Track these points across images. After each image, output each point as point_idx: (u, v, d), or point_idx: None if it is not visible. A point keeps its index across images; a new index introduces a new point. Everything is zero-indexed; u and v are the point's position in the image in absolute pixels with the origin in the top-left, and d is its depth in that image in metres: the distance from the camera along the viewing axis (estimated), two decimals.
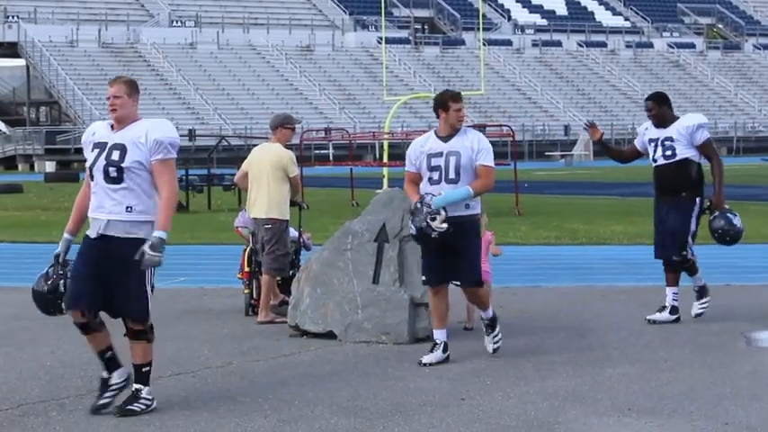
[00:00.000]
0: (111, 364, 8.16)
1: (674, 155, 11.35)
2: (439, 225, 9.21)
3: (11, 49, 76.82)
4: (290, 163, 11.95)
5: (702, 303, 11.65)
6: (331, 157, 53.88)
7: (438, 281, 9.63)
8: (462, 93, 10.25)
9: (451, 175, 9.49)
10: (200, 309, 12.81)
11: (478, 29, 53.02)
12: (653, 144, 11.53)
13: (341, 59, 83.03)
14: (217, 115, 70.40)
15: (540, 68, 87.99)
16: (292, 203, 12.25)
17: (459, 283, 9.74)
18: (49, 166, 62.73)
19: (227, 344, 10.64)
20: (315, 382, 8.74)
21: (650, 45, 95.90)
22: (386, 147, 39.18)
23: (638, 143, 11.81)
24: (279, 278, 12.09)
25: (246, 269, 12.37)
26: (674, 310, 11.45)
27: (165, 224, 7.82)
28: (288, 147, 12.26)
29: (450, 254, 9.49)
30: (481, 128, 51.14)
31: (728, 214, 11.39)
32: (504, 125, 40.21)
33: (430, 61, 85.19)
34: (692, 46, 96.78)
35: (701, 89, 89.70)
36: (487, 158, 9.54)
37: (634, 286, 14.16)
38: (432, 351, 9.61)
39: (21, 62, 79.23)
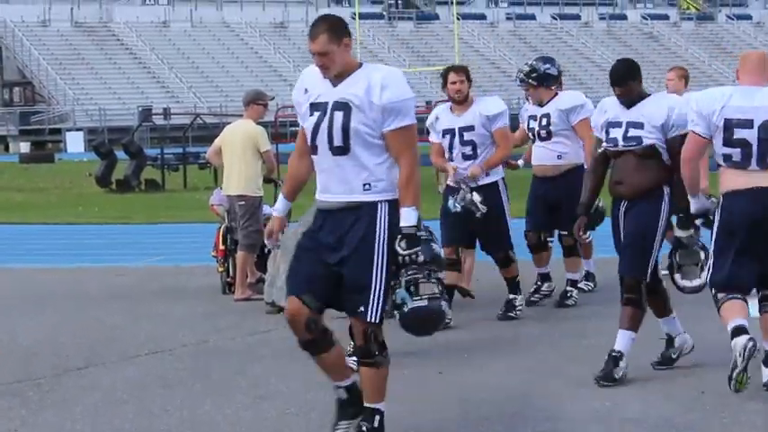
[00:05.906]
0: None
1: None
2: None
3: None
4: (261, 138, 11.89)
5: None
6: None
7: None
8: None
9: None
10: (176, 287, 12.78)
11: (452, 3, 52.92)
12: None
13: None
14: (191, 93, 70.13)
15: (515, 42, 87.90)
16: (268, 181, 12.22)
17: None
18: (24, 147, 62.43)
19: (203, 322, 10.63)
20: (291, 359, 8.72)
21: (624, 17, 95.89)
22: None
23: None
24: (256, 255, 12.05)
25: (222, 247, 12.32)
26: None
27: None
28: (263, 124, 12.21)
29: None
30: None
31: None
32: None
33: (404, 36, 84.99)
34: (666, 17, 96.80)
35: (676, 60, 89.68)
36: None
37: (613, 257, 14.12)
38: None
39: None
